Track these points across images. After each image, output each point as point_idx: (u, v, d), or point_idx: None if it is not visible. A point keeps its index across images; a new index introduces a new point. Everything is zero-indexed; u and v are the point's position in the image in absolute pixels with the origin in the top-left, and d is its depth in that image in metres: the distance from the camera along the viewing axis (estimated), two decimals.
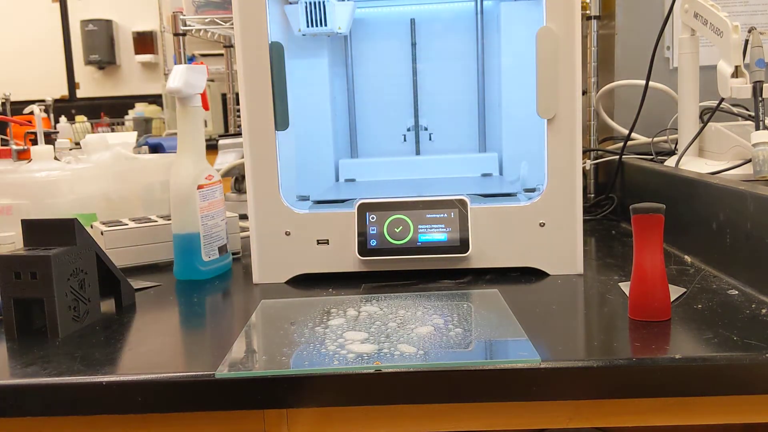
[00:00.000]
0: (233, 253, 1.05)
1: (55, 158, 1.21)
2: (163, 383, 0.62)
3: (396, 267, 0.91)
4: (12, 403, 0.63)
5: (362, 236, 0.90)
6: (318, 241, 0.92)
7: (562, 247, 0.89)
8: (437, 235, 0.90)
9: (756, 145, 0.98)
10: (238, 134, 1.68)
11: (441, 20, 1.19)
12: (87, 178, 1.13)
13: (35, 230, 0.77)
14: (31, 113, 1.53)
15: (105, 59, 4.27)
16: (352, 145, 1.23)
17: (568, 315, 0.76)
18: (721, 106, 1.11)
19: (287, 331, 0.72)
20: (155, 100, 4.03)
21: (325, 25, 1.03)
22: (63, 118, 3.68)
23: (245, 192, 0.93)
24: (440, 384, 0.61)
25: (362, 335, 0.69)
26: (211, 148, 1.24)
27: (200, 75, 0.95)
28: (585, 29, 1.39)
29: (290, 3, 1.04)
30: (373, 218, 0.91)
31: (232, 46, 2.31)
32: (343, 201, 0.98)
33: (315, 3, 1.02)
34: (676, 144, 1.23)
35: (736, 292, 0.78)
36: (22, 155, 1.40)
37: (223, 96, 2.96)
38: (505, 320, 0.72)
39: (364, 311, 0.76)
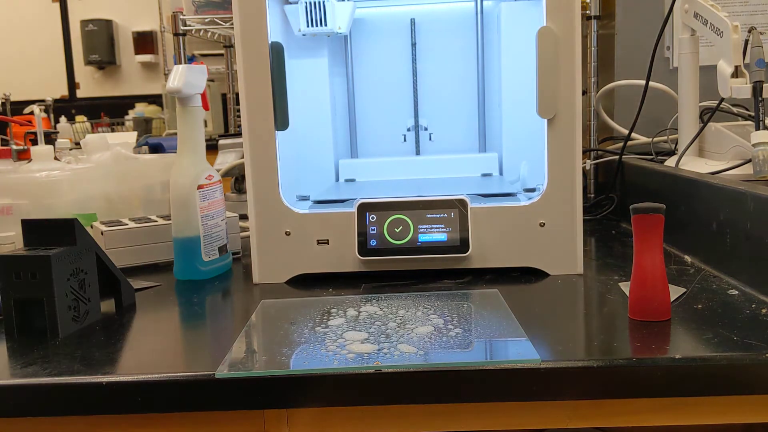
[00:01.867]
0: (233, 253, 1.05)
1: (55, 158, 1.21)
2: (163, 383, 0.62)
3: (396, 267, 0.91)
4: (12, 403, 0.63)
5: (362, 236, 0.90)
6: (318, 241, 0.92)
7: (562, 247, 0.89)
8: (437, 235, 0.90)
9: (756, 145, 0.98)
10: (238, 134, 1.68)
11: (441, 20, 1.19)
12: (87, 178, 1.13)
13: (35, 230, 0.77)
14: (31, 113, 1.53)
15: (105, 59, 4.27)
16: (352, 145, 1.23)
17: (568, 315, 0.76)
18: (721, 106, 1.11)
19: (287, 331, 0.72)
20: (155, 100, 4.04)
21: (325, 25, 1.03)
22: (63, 118, 3.68)
23: (245, 192, 0.93)
24: (440, 384, 0.61)
25: (362, 335, 0.69)
26: (211, 148, 1.24)
27: (200, 75, 0.95)
28: (585, 29, 1.39)
29: (290, 3, 1.04)
30: (373, 218, 0.91)
31: (232, 46, 2.31)
32: (343, 201, 0.98)
33: (315, 3, 1.02)
34: (676, 144, 1.23)
35: (736, 292, 0.78)
36: (22, 155, 1.40)
37: (223, 96, 2.96)
38: (505, 320, 0.72)
39: (364, 311, 0.76)
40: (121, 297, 0.84)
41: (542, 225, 0.89)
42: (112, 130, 3.69)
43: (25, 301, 0.74)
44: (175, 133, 1.35)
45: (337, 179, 1.18)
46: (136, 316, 0.81)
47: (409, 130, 1.22)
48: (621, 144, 1.29)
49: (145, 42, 4.25)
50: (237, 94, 1.62)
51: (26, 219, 0.77)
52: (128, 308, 0.84)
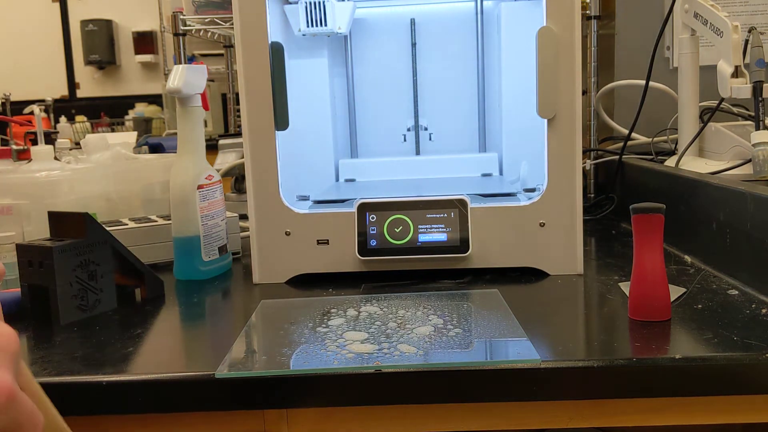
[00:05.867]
0: (233, 253, 1.05)
1: (55, 158, 1.21)
2: (163, 383, 0.62)
3: (396, 267, 0.91)
4: None
5: (362, 236, 0.90)
6: (318, 241, 0.92)
7: (562, 247, 0.89)
8: (437, 235, 0.90)
9: (756, 145, 0.98)
10: (238, 134, 1.68)
11: (441, 20, 1.19)
12: (87, 178, 1.13)
13: (57, 222, 0.81)
14: (31, 113, 1.53)
15: (105, 59, 4.27)
16: (352, 145, 1.22)
17: (568, 315, 0.77)
18: (721, 106, 1.11)
19: (287, 331, 0.72)
20: (155, 100, 4.03)
21: (325, 25, 1.03)
22: (63, 118, 3.68)
23: (245, 192, 0.93)
24: (440, 384, 0.61)
25: (362, 335, 0.69)
26: (211, 148, 1.24)
27: (200, 75, 0.95)
28: (585, 29, 1.39)
29: (290, 3, 1.04)
30: (373, 218, 0.91)
31: (232, 46, 2.31)
32: (343, 201, 0.98)
33: (315, 3, 1.02)
34: (676, 144, 1.23)
35: (736, 292, 0.78)
36: (22, 155, 1.40)
37: (223, 96, 2.96)
38: (505, 320, 0.72)
39: (364, 311, 0.76)
40: (146, 288, 0.87)
41: (542, 225, 0.89)
42: (112, 130, 3.69)
43: (33, 287, 0.79)
44: (175, 133, 1.35)
45: (337, 179, 1.18)
46: (135, 316, 0.81)
47: (409, 130, 1.22)
48: (621, 144, 1.29)
49: (145, 42, 4.25)
50: (237, 94, 1.62)
51: (51, 211, 0.82)
52: (128, 308, 0.84)
